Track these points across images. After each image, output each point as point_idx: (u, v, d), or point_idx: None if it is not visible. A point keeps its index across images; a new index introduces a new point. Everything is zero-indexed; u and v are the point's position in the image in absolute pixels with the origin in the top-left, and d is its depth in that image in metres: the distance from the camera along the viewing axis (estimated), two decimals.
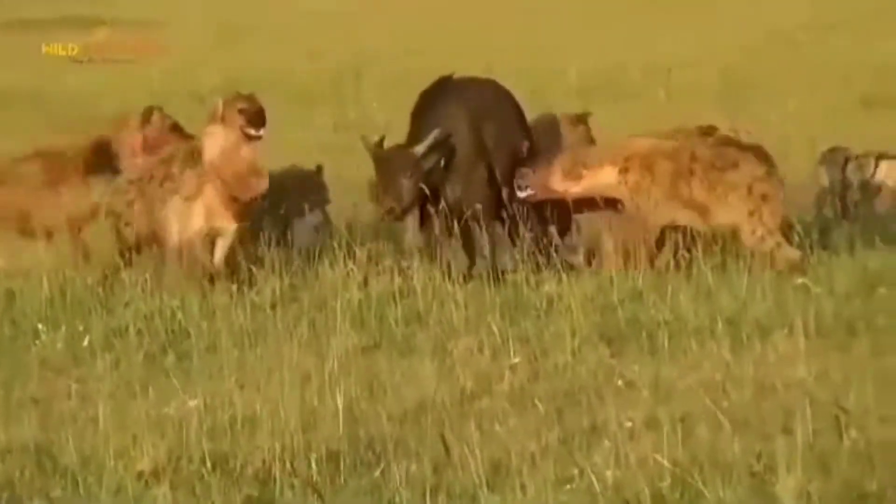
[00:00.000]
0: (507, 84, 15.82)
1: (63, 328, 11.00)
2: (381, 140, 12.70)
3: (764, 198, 12.91)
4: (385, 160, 12.69)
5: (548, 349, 10.03)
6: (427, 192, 13.18)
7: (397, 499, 7.86)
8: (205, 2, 43.15)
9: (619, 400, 8.91)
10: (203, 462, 8.13)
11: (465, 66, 19.25)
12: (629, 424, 8.18)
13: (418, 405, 9.03)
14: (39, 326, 11.07)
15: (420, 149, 12.68)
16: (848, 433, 8.01)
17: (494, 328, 10.38)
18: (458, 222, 13.21)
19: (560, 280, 11.64)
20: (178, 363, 10.30)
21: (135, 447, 8.14)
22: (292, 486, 7.93)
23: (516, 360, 9.64)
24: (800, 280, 11.15)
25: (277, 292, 12.07)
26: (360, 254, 12.36)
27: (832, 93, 24.73)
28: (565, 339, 10.16)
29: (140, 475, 7.95)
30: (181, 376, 9.83)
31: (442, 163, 12.98)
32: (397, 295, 11.70)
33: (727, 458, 7.68)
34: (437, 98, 13.25)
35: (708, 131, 14.49)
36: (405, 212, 12.95)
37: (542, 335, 10.37)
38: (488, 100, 13.57)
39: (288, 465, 8.12)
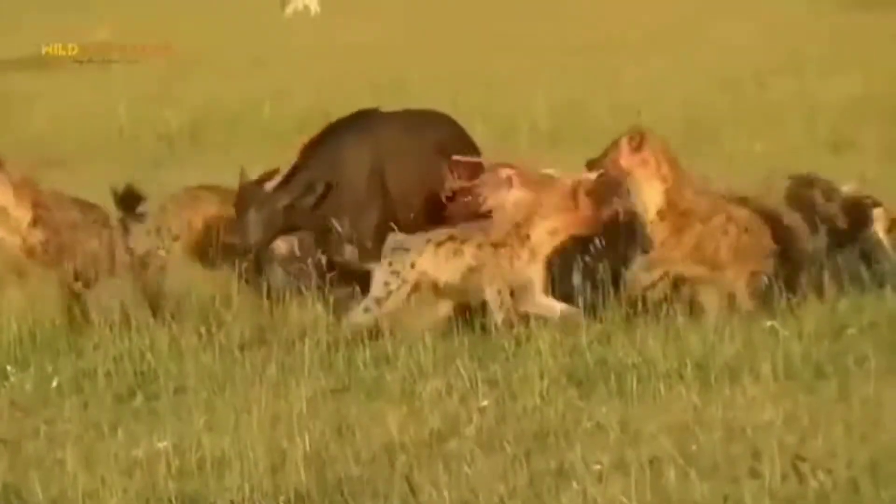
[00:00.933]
0: (471, 121, 15.58)
1: (32, 369, 10.85)
2: (261, 177, 12.03)
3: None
4: (240, 194, 12.14)
5: (516, 391, 9.93)
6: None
7: None
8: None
9: (587, 442, 8.87)
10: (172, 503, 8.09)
11: (430, 103, 18.95)
12: (597, 467, 8.15)
13: (386, 447, 8.93)
14: (8, 368, 10.88)
15: (270, 185, 12.11)
16: (815, 476, 7.91)
17: (462, 371, 10.26)
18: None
19: (528, 322, 11.52)
20: (147, 405, 10.20)
21: (104, 489, 8.11)
22: None
23: (484, 402, 9.60)
24: (769, 323, 11.06)
25: (245, 334, 11.93)
26: (329, 296, 12.14)
27: (798, 134, 24.86)
28: (534, 381, 10.02)
29: None
30: (150, 418, 9.80)
31: (311, 204, 12.18)
32: (366, 337, 11.54)
33: (695, 501, 7.71)
34: (339, 134, 12.59)
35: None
36: (250, 249, 12.26)
37: (510, 377, 10.24)
38: (405, 137, 12.70)
39: None
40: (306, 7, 48.69)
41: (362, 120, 12.49)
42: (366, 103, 17.50)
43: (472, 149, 12.42)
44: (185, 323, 11.95)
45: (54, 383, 10.24)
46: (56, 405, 9.86)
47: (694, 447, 8.54)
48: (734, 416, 9.11)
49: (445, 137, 12.44)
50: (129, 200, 14.02)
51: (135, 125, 28.19)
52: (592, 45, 38.31)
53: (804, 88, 31.16)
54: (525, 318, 11.82)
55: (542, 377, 10.07)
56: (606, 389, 9.92)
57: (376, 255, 11.97)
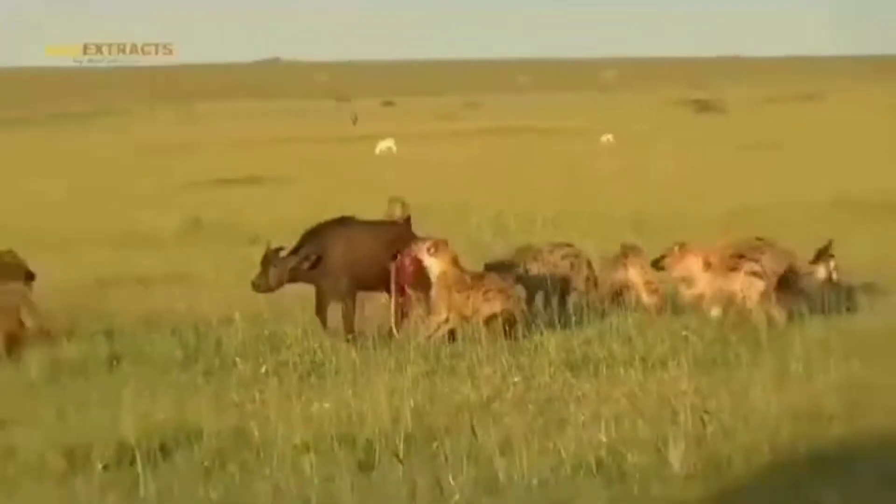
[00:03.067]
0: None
1: (250, 361, 10.41)
2: (278, 248, 11.98)
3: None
4: (265, 257, 12.09)
5: (535, 373, 9.91)
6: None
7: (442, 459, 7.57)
8: None
9: (576, 404, 8.84)
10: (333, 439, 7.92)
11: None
12: (582, 418, 8.33)
13: (458, 406, 8.88)
14: (237, 360, 10.59)
15: (283, 254, 12.05)
16: (711, 423, 7.95)
17: (503, 361, 10.23)
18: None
19: (542, 332, 11.40)
20: (318, 382, 9.92)
21: (293, 433, 7.97)
22: None
23: (516, 379, 9.64)
24: (683, 333, 10.90)
25: (376, 338, 11.36)
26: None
27: None
28: (545, 367, 10.09)
29: (295, 447, 7.65)
30: (319, 390, 9.51)
31: (307, 266, 11.92)
32: (447, 340, 11.43)
33: (642, 438, 7.73)
34: (329, 227, 12.31)
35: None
36: (269, 289, 12.16)
37: (532, 365, 10.21)
38: (368, 232, 12.38)
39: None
40: (390, 148, 48.52)
41: (342, 221, 12.30)
42: (430, 220, 16.63)
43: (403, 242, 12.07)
44: (339, 333, 11.79)
45: (263, 369, 10.26)
46: (263, 382, 9.80)
47: (640, 406, 8.62)
48: (663, 388, 9.14)
49: (394, 235, 12.14)
50: None
51: None
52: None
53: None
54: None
55: (550, 365, 10.10)
56: (588, 372, 9.97)
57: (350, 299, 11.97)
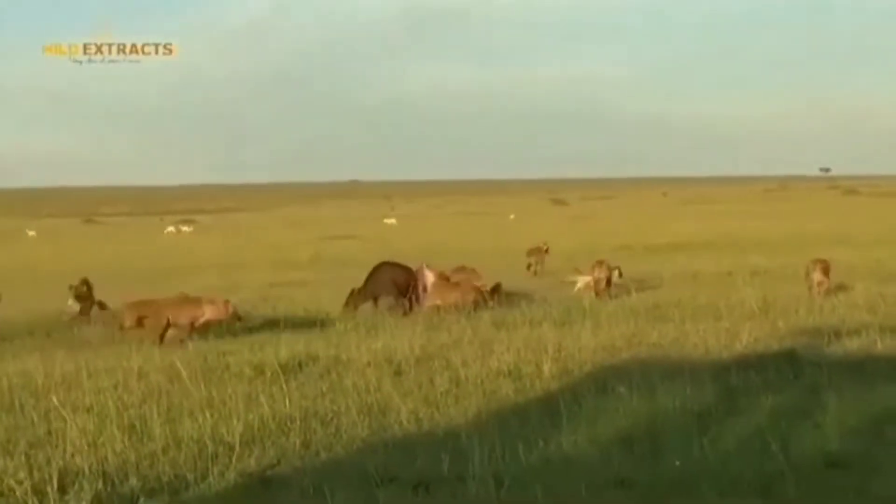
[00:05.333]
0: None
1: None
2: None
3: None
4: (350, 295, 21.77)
5: (478, 329, 14.66)
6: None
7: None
8: None
9: (498, 344, 13.36)
10: None
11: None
12: (501, 349, 12.90)
13: (441, 344, 13.43)
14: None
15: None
16: (562, 352, 12.56)
17: (462, 323, 15.72)
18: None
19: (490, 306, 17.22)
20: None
21: None
22: None
23: (469, 332, 14.28)
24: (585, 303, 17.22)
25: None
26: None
27: None
28: (486, 326, 14.97)
29: None
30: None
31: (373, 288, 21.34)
32: (437, 321, 17.92)
33: (529, 360, 11.98)
34: (384, 264, 21.91)
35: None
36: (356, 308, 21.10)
37: (476, 326, 14.95)
38: (400, 268, 22.07)
39: None
40: (393, 222, 64.29)
41: (387, 261, 22.40)
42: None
43: (411, 275, 22.20)
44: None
45: None
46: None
47: (530, 345, 13.31)
48: (542, 335, 13.86)
49: (408, 272, 21.88)
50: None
51: None
52: None
53: None
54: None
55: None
56: (507, 329, 14.80)
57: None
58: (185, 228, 78.22)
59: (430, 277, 22.16)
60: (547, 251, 34.03)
